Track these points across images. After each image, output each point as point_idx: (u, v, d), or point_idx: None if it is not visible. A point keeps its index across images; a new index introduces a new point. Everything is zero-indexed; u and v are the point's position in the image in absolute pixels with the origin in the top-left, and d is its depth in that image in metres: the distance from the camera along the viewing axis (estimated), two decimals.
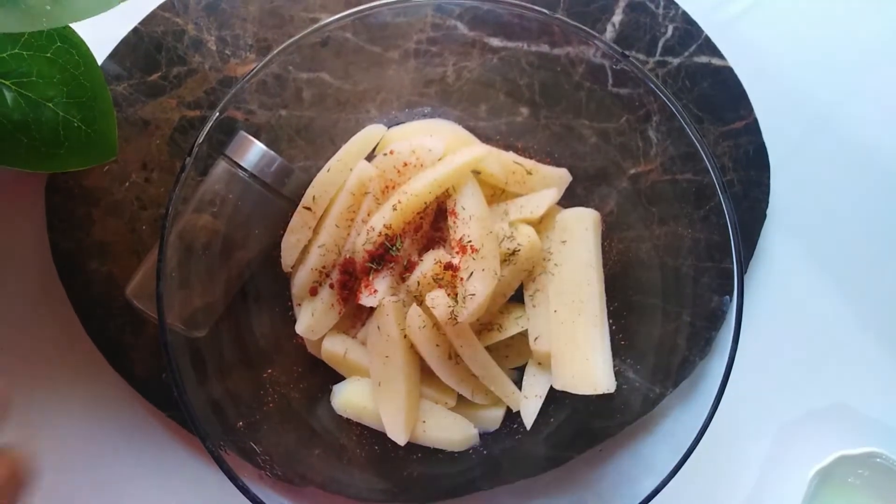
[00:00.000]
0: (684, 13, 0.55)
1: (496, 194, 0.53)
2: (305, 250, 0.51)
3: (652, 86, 0.47)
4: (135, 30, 0.54)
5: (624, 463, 0.52)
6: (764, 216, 0.56)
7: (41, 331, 0.55)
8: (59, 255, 0.53)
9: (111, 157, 0.45)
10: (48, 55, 0.41)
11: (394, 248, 0.49)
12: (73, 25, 0.43)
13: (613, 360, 0.50)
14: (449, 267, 0.48)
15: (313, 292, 0.51)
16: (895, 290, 0.57)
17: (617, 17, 0.55)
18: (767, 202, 0.55)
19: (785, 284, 0.57)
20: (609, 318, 0.51)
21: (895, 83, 0.57)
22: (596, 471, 0.52)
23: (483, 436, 0.52)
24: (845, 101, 0.57)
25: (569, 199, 0.53)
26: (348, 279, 0.50)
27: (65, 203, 0.53)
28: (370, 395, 0.50)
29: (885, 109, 0.57)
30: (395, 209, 0.48)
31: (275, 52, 0.47)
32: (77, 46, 0.43)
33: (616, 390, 0.48)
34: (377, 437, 0.51)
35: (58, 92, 0.42)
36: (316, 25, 0.47)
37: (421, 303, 0.48)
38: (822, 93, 0.57)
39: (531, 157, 0.53)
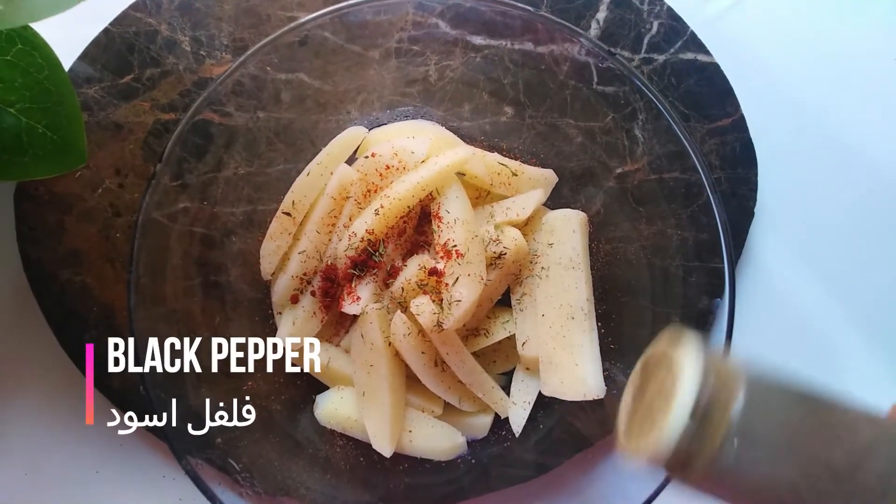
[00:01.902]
0: (669, 9, 0.54)
1: (481, 196, 0.52)
2: (285, 257, 0.50)
3: (638, 83, 0.47)
4: (105, 30, 0.52)
5: (615, 468, 0.51)
6: (752, 214, 0.55)
7: (12, 344, 0.53)
8: (30, 265, 0.51)
9: (80, 164, 0.44)
10: (8, 58, 0.39)
11: (377, 254, 0.48)
12: (38, 27, 0.41)
13: (603, 364, 0.49)
14: (434, 272, 0.47)
15: (294, 300, 0.50)
16: (884, 286, 0.56)
17: (601, 14, 0.54)
18: (755, 200, 0.55)
19: (773, 282, 0.56)
20: (598, 321, 0.50)
21: (881, 79, 0.57)
22: (586, 476, 0.51)
23: (471, 443, 0.51)
24: (832, 96, 0.57)
25: (555, 200, 0.52)
26: (330, 286, 0.49)
27: (35, 210, 0.51)
28: (354, 405, 0.49)
29: (871, 105, 0.57)
30: (377, 213, 0.47)
31: (250, 51, 0.46)
32: (40, 48, 0.41)
33: (606, 395, 0.48)
34: (362, 448, 0.50)
35: (20, 97, 0.40)
36: (293, 24, 0.46)
37: (405, 310, 0.47)
38: (809, 88, 0.57)
39: (516, 158, 0.52)
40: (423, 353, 0.47)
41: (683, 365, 0.28)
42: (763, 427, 0.27)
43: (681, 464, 0.28)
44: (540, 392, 0.50)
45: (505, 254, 0.48)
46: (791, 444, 0.27)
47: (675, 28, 0.54)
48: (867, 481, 0.27)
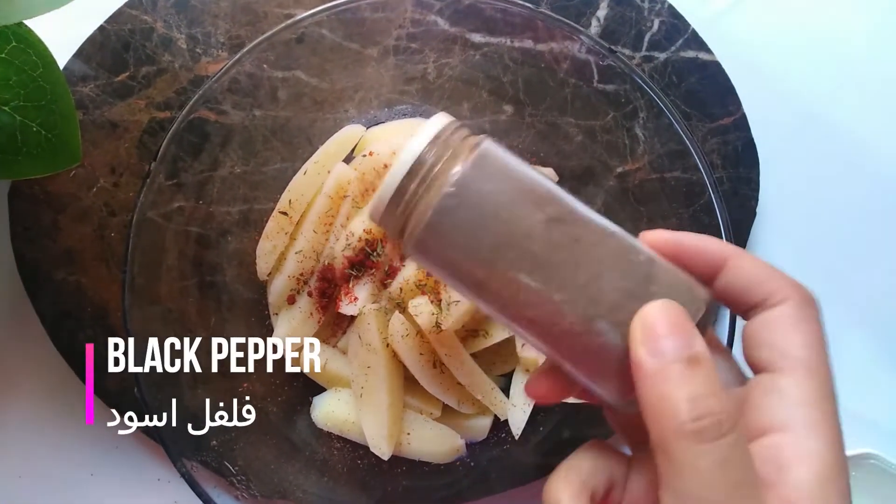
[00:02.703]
0: (670, 7, 0.54)
1: None
2: (282, 257, 0.50)
3: (639, 81, 0.46)
4: (101, 28, 0.52)
5: None
6: (754, 213, 0.55)
7: (6, 345, 0.52)
8: (23, 265, 0.51)
9: (74, 163, 0.43)
10: (2, 56, 0.39)
11: (374, 254, 0.47)
12: (32, 24, 0.41)
13: None
14: None
15: (291, 301, 0.49)
16: (888, 288, 0.56)
17: (602, 12, 0.54)
18: (757, 199, 0.54)
19: None
20: None
21: (885, 76, 0.57)
22: None
23: (470, 446, 0.50)
24: (835, 94, 0.56)
25: None
26: (327, 286, 0.48)
27: (29, 209, 0.51)
28: (352, 407, 0.49)
29: (875, 102, 0.56)
30: None
31: (246, 49, 0.46)
32: (34, 46, 0.40)
33: None
34: (360, 451, 0.49)
35: (14, 95, 0.40)
36: (290, 21, 0.46)
37: (403, 310, 0.47)
38: (811, 86, 0.56)
39: None
40: (421, 354, 0.47)
41: (417, 131, 0.28)
42: (477, 199, 0.26)
43: (399, 225, 0.28)
44: None
45: None
46: (499, 218, 0.26)
47: (677, 26, 0.54)
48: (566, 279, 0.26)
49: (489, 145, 0.28)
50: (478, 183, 0.27)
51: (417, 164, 0.27)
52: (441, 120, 0.29)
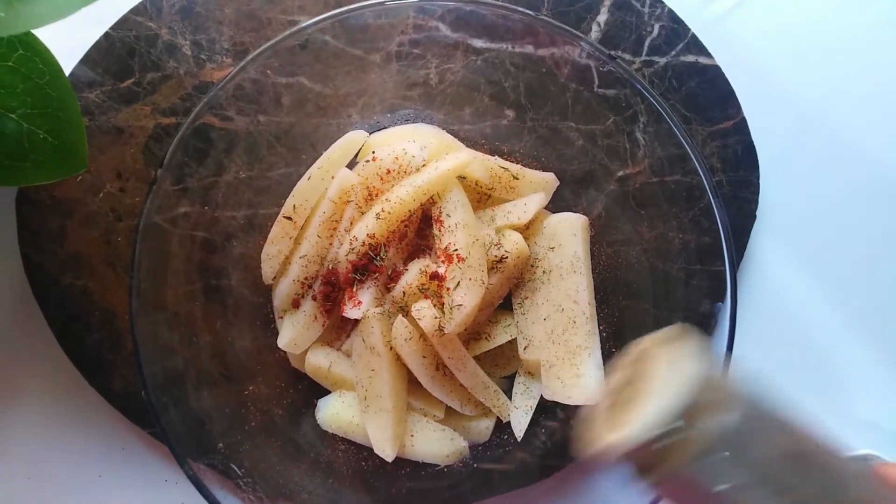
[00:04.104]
0: (670, 11, 0.54)
1: (482, 200, 0.52)
2: (286, 261, 0.50)
3: (639, 87, 0.46)
4: (106, 34, 0.52)
5: (617, 472, 0.51)
6: (754, 216, 0.55)
7: (14, 348, 0.53)
8: (31, 269, 0.51)
9: (80, 169, 0.44)
10: (10, 64, 0.39)
11: (378, 258, 0.47)
12: (38, 31, 0.41)
13: (604, 368, 0.49)
14: (435, 276, 0.47)
15: (295, 304, 0.50)
16: (886, 290, 0.56)
17: (602, 17, 0.54)
18: (757, 202, 0.55)
19: (775, 285, 0.56)
20: (599, 324, 0.50)
21: (883, 79, 0.57)
22: (588, 480, 0.51)
23: (473, 448, 0.51)
24: (834, 98, 0.57)
25: (556, 204, 0.52)
26: (331, 290, 0.49)
27: (36, 215, 0.51)
28: (356, 410, 0.49)
29: (873, 106, 0.57)
30: (378, 218, 0.47)
31: (251, 56, 0.46)
32: (41, 54, 0.41)
33: None
34: (364, 453, 0.50)
35: (21, 102, 0.40)
36: (294, 28, 0.46)
37: (407, 314, 0.47)
38: (810, 90, 0.57)
39: (517, 162, 0.52)
40: (424, 357, 0.47)
41: (683, 366, 0.27)
42: (747, 451, 0.27)
43: (646, 461, 0.27)
44: (542, 396, 0.50)
45: (506, 258, 0.48)
46: (770, 474, 0.27)
47: (676, 30, 0.54)
48: None
49: (750, 395, 0.28)
50: (742, 433, 0.27)
51: (683, 409, 0.27)
52: (703, 363, 0.28)
